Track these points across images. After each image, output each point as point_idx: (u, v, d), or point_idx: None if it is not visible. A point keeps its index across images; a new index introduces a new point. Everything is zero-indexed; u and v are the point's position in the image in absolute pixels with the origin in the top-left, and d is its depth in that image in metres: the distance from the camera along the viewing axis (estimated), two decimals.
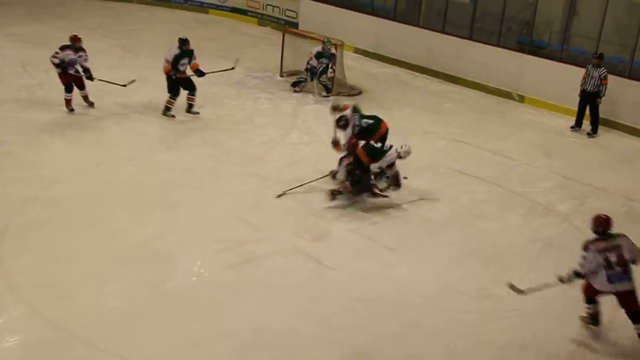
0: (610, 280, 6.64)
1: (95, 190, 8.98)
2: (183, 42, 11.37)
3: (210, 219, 8.58)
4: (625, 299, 6.70)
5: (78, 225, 8.11)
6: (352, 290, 7.39)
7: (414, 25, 16.28)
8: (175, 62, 11.36)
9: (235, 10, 19.62)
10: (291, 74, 14.34)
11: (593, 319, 7.05)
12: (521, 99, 14.27)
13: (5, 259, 7.34)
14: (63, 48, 11.22)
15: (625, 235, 6.78)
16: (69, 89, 11.36)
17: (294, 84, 13.69)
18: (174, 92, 11.60)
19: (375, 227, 8.75)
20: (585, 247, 6.74)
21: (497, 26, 14.81)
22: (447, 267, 8.03)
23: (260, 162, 10.36)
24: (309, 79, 13.48)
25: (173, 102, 11.67)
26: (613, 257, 6.62)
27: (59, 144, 10.34)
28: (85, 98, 11.69)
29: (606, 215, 6.82)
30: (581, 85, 12.43)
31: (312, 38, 14.30)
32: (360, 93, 13.91)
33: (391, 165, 9.25)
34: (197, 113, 11.87)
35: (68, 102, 11.43)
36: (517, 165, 11.06)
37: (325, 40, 13.44)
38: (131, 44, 15.77)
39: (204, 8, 19.87)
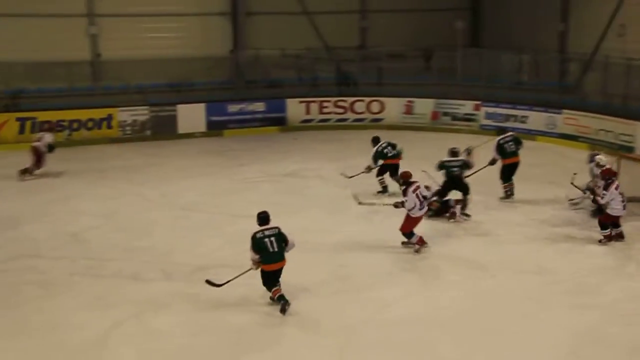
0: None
1: (422, 315, 9.15)
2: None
3: (540, 354, 8.17)
4: None
5: (405, 349, 8.28)
6: None
7: None
8: None
9: (563, 136, 19.27)
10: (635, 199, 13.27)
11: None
12: None
13: None
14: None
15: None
16: None
17: None
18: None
19: None
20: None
21: None
22: None
23: (594, 294, 9.71)
24: None
25: None
26: None
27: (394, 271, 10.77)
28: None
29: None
30: None
31: None
32: None
33: None
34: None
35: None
36: None
37: None
38: None
39: (531, 135, 19.86)
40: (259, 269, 9.06)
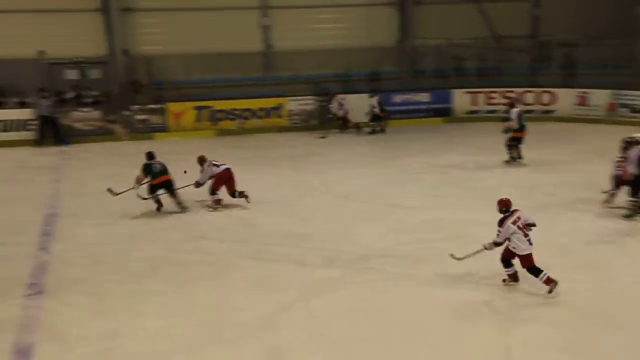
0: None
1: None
2: None
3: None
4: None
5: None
6: None
7: None
8: None
9: None
10: None
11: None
12: None
13: None
14: None
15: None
16: None
17: None
18: None
19: None
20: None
21: None
22: None
23: None
24: None
25: None
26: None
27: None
28: None
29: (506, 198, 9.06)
30: None
31: None
32: None
33: None
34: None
35: None
36: None
37: None
38: None
39: None
40: (146, 185, 12.71)
